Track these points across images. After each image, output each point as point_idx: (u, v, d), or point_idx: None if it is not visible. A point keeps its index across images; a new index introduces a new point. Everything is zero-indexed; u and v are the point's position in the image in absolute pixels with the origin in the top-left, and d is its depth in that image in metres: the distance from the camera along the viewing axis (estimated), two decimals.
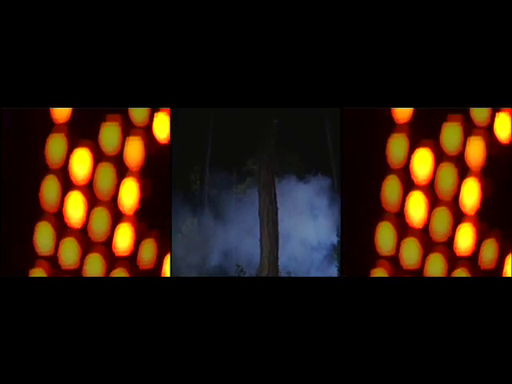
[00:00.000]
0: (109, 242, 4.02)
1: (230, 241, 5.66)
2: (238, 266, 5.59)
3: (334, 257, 5.69)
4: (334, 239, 5.71)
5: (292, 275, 5.60)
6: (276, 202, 5.58)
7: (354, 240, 4.03)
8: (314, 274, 5.68)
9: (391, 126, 4.02)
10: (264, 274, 5.52)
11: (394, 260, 4.02)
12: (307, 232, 5.76)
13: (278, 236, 5.58)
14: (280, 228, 5.58)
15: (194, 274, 5.38)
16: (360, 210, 4.01)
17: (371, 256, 4.02)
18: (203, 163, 5.71)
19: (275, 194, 5.59)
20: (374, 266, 4.02)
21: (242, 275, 5.57)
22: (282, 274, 5.59)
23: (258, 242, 5.55)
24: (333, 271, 5.69)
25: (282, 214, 5.60)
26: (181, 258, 5.29)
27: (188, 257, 5.42)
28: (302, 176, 5.79)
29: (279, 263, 5.57)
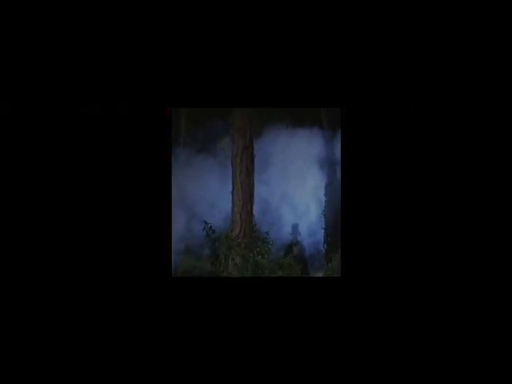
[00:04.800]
0: None
1: (208, 196, 4.94)
2: (206, 224, 4.79)
3: (322, 219, 4.92)
4: (322, 199, 4.96)
5: (270, 237, 4.78)
6: (252, 148, 4.75)
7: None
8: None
9: None
10: (236, 233, 4.68)
11: None
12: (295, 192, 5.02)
13: (253, 188, 4.73)
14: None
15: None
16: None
17: None
18: (178, 113, 5.05)
19: (251, 139, 4.76)
20: None
21: (210, 233, 4.78)
22: (260, 234, 4.76)
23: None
24: (319, 236, 4.91)
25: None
26: None
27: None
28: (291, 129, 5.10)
29: (254, 220, 4.73)
